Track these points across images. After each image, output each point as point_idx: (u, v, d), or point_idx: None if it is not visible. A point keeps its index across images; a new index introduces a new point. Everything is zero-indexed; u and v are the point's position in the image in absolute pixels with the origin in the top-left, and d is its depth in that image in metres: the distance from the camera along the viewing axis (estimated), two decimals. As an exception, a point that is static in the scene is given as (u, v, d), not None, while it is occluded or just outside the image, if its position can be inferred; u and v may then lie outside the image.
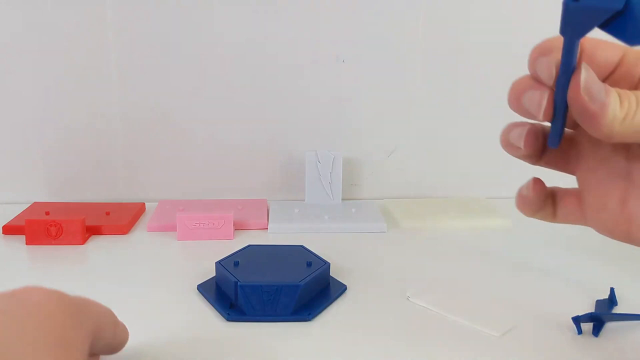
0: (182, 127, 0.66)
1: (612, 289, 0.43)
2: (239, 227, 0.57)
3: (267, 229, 0.57)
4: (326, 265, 0.44)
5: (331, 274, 0.45)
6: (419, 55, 0.65)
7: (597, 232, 0.30)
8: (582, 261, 0.51)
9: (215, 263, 0.44)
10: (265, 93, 0.65)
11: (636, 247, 0.57)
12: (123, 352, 0.32)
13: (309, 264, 0.44)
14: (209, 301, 0.42)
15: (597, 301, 0.42)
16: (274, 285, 0.40)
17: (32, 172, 0.65)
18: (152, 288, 0.45)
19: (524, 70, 0.28)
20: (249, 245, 0.47)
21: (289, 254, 0.46)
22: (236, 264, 0.43)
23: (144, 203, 0.64)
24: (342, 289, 0.44)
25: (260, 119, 0.66)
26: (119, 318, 0.31)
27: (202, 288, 0.44)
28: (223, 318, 0.40)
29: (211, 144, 0.66)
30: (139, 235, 0.56)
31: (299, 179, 0.65)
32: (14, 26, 0.61)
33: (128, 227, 0.57)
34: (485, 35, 0.65)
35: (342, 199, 0.64)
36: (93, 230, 0.55)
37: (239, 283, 0.40)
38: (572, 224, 0.32)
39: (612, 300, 0.42)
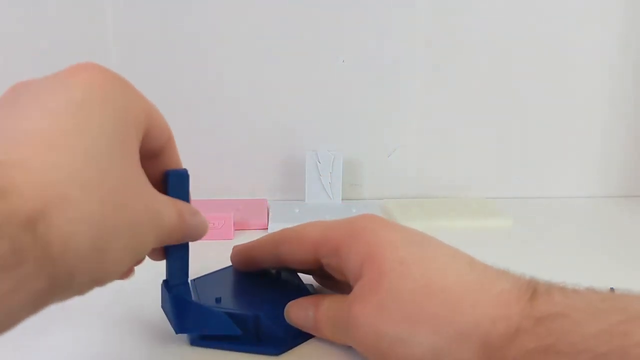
0: (181, 127, 0.65)
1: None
2: (239, 227, 0.57)
3: (267, 229, 0.57)
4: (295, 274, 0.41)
5: None
6: (420, 55, 0.65)
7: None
8: (582, 261, 0.51)
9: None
10: (265, 93, 0.65)
11: (636, 249, 0.57)
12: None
13: (285, 281, 0.40)
14: (222, 348, 0.36)
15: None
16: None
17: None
18: (152, 287, 0.44)
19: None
20: (192, 280, 0.40)
21: (231, 276, 0.42)
22: (218, 300, 0.37)
23: (144, 203, 0.64)
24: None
25: (260, 118, 0.66)
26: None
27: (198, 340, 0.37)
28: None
29: (211, 143, 0.66)
30: (139, 235, 0.56)
31: (299, 179, 0.65)
32: (13, 26, 0.61)
33: (128, 227, 0.57)
34: (486, 36, 0.65)
35: (342, 199, 0.64)
36: (93, 230, 0.55)
37: (260, 314, 0.35)
38: None
39: (612, 300, 0.42)
